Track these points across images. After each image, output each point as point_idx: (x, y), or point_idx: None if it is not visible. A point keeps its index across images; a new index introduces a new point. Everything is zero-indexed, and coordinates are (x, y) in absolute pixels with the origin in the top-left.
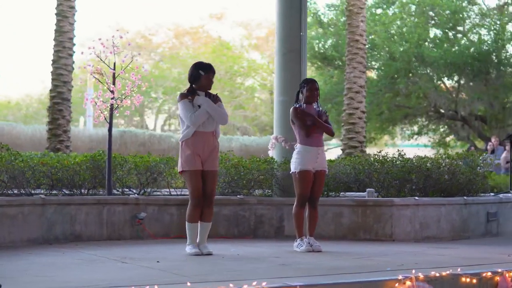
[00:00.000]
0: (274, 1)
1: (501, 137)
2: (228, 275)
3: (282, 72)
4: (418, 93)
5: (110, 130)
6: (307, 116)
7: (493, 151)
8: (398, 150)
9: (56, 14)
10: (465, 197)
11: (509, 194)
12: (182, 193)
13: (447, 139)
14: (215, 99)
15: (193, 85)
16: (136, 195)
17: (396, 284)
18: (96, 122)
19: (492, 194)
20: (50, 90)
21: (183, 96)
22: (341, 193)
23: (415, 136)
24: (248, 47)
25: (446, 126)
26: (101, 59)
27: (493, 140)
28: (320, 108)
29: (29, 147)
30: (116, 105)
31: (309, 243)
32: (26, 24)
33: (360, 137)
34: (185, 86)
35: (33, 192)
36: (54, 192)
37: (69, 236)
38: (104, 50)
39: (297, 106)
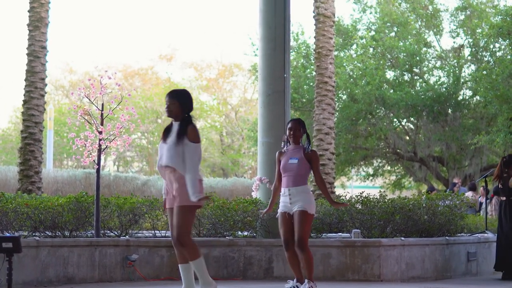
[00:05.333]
0: (257, 42)
1: (460, 177)
2: None
3: (266, 113)
4: (379, 135)
5: (98, 171)
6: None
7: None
8: (348, 192)
9: (27, 54)
10: (447, 237)
11: (486, 234)
12: (166, 234)
13: (403, 180)
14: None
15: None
16: (127, 237)
17: None
18: (85, 163)
19: (465, 234)
20: (22, 131)
21: None
22: (323, 234)
23: (370, 178)
24: (198, 88)
25: (401, 167)
26: (89, 100)
27: (456, 181)
28: (305, 148)
29: None
30: (105, 146)
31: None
32: None
33: (330, 178)
34: (138, 127)
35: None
36: (37, 234)
37: (62, 279)
38: (93, 91)
39: (282, 148)
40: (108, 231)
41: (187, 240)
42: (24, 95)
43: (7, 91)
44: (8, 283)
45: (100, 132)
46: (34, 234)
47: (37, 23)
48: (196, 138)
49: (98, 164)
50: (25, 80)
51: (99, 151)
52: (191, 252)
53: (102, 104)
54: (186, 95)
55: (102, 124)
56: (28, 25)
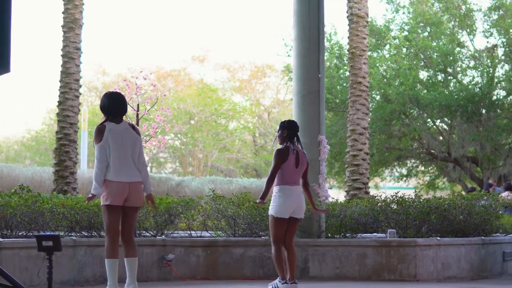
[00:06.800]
0: (292, 42)
1: (495, 177)
2: None
3: (300, 113)
4: (413, 135)
5: None
6: None
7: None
8: (384, 192)
9: (62, 55)
10: (482, 237)
11: None
12: (202, 234)
13: (437, 181)
14: None
15: None
16: (163, 236)
17: None
18: None
19: (501, 234)
20: (56, 132)
21: None
22: (359, 234)
23: (404, 178)
24: (231, 89)
25: (435, 168)
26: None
27: (491, 181)
28: None
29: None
30: None
31: None
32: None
33: (364, 178)
34: (173, 127)
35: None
36: (73, 234)
37: (99, 278)
38: (128, 91)
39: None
40: (144, 231)
41: (105, 235)
42: (59, 96)
43: (40, 93)
44: (48, 282)
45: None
46: (70, 234)
47: (72, 24)
48: (94, 141)
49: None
50: (60, 81)
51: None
52: (105, 250)
53: (138, 105)
54: (102, 98)
55: (137, 124)
56: (63, 26)
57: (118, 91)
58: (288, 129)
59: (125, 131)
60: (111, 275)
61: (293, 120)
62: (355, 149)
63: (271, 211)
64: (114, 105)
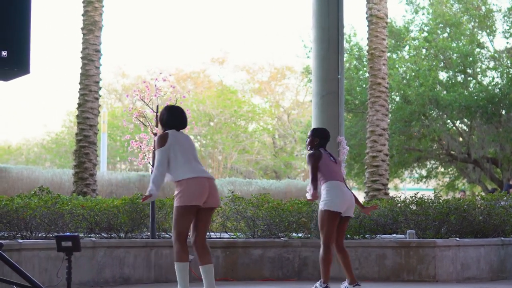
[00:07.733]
0: (311, 43)
1: None
2: None
3: (320, 114)
4: (433, 136)
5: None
6: None
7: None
8: (403, 193)
9: (81, 58)
10: (502, 238)
11: None
12: (221, 236)
13: (456, 182)
14: None
15: None
16: None
17: None
18: (140, 164)
19: None
20: (76, 134)
21: None
22: (378, 235)
23: (424, 179)
24: (250, 91)
25: (455, 169)
26: (144, 102)
27: (511, 182)
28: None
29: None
30: None
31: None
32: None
33: (384, 179)
34: (192, 128)
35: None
36: (92, 235)
37: (118, 279)
38: (148, 93)
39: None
40: (163, 233)
41: (174, 240)
42: (78, 98)
43: (60, 95)
44: (67, 282)
45: (155, 134)
46: (89, 235)
47: (91, 26)
48: (155, 146)
49: (153, 166)
50: (80, 83)
51: (154, 153)
52: (175, 254)
53: (157, 106)
54: (162, 111)
55: (157, 126)
56: (82, 29)
57: (178, 105)
58: (320, 138)
59: (186, 137)
60: (183, 279)
61: (325, 129)
62: (374, 150)
63: (325, 206)
64: (173, 119)
